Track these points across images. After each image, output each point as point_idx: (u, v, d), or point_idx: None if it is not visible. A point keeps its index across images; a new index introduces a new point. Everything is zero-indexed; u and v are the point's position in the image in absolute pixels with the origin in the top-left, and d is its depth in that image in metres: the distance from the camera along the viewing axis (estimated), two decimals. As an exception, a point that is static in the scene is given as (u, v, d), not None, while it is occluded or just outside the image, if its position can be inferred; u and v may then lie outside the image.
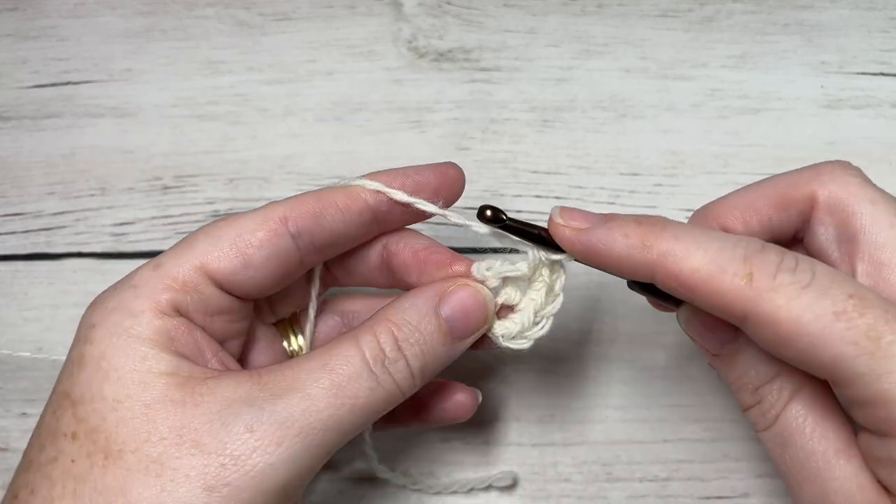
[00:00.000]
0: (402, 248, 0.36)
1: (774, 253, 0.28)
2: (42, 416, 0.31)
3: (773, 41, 0.53)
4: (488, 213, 0.33)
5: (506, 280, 0.35)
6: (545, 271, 0.35)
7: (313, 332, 0.38)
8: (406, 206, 0.35)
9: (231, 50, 0.54)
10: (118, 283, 0.33)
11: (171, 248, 0.34)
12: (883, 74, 0.52)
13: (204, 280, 0.33)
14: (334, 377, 0.30)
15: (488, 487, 0.43)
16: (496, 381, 0.45)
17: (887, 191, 0.48)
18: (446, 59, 0.53)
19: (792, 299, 0.27)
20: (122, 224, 0.49)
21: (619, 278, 0.33)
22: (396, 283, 0.37)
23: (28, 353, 0.45)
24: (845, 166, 0.33)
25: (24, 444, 0.43)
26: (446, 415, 0.38)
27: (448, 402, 0.38)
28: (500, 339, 0.35)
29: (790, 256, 0.28)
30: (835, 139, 0.50)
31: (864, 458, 0.29)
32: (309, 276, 0.37)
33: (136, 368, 0.30)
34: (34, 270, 0.47)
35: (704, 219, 0.35)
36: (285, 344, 0.38)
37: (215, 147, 0.51)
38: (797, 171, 0.33)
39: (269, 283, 0.34)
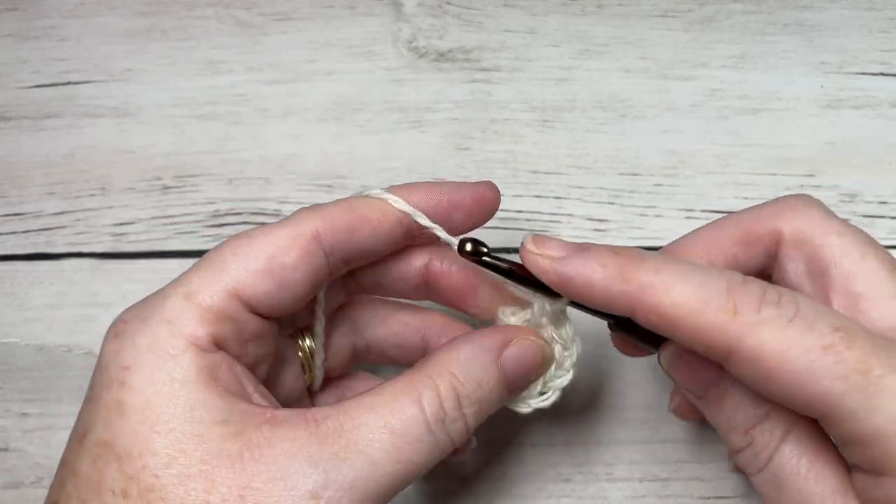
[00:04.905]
0: (451, 270, 0.35)
1: (757, 286, 0.28)
2: (75, 461, 0.29)
3: (773, 41, 0.54)
4: (468, 246, 0.32)
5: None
6: (557, 348, 0.34)
7: (323, 342, 0.37)
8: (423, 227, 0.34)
9: (231, 50, 0.54)
10: (144, 311, 0.31)
11: (196, 269, 0.31)
12: (883, 74, 0.52)
13: (238, 307, 0.31)
14: (396, 440, 0.29)
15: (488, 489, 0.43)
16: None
17: (886, 191, 0.48)
18: (446, 59, 0.53)
19: (777, 333, 0.26)
20: (122, 224, 0.49)
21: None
22: (435, 300, 0.36)
23: (28, 354, 0.45)
24: (807, 200, 0.32)
25: (24, 444, 0.43)
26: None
27: None
28: None
29: (772, 289, 0.28)
30: (835, 139, 0.50)
31: (858, 498, 0.28)
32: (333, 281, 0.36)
33: (187, 418, 0.28)
34: (34, 270, 0.47)
35: (673, 255, 0.34)
36: (302, 344, 0.38)
37: (215, 147, 0.51)
38: (759, 206, 0.33)
39: (299, 301, 0.33)
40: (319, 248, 0.32)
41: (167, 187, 0.49)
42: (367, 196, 0.34)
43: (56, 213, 0.49)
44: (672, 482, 0.43)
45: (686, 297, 0.28)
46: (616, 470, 0.43)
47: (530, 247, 0.31)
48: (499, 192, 0.36)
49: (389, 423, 0.29)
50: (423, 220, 0.34)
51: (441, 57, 0.53)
